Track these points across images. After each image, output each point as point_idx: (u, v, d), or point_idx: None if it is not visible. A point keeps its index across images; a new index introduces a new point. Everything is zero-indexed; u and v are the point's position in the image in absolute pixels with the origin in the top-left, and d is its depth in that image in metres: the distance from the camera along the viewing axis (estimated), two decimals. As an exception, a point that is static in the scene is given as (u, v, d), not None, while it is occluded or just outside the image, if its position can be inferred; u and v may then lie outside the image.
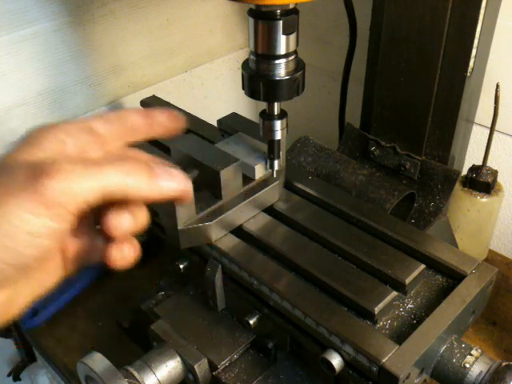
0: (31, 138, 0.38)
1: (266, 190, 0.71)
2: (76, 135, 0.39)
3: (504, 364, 0.56)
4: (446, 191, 0.81)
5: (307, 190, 0.76)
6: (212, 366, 0.65)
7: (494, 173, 0.87)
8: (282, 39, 0.57)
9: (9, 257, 0.34)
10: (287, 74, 0.60)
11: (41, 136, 0.38)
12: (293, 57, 0.59)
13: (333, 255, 0.66)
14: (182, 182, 0.40)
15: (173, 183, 0.39)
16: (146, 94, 1.04)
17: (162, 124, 0.46)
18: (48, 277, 0.41)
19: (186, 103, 1.02)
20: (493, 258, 0.98)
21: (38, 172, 0.34)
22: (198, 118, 0.95)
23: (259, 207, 0.72)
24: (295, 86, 0.61)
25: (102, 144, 0.41)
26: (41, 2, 0.89)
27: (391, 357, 0.53)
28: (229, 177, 0.67)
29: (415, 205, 0.82)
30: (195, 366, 0.63)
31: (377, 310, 0.58)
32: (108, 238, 0.39)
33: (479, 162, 0.88)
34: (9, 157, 0.37)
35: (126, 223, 0.39)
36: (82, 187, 0.35)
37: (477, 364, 0.57)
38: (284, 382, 0.66)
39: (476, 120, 0.91)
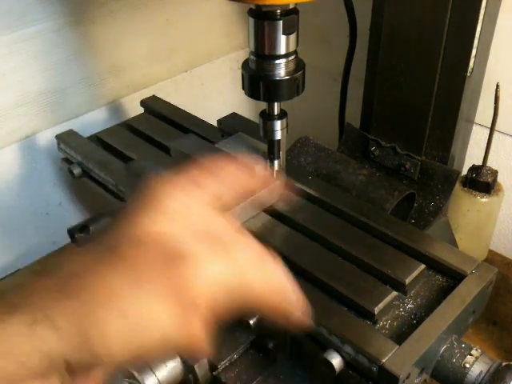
0: (155, 201, 0.36)
1: (266, 190, 0.71)
2: (197, 196, 0.38)
3: (504, 364, 0.56)
4: (445, 191, 0.81)
5: (307, 190, 0.76)
6: (212, 366, 0.65)
7: (494, 173, 0.87)
8: (282, 39, 0.57)
9: (134, 349, 0.32)
10: (287, 74, 0.60)
11: (165, 201, 0.36)
12: (293, 57, 0.59)
13: (333, 255, 0.66)
14: (302, 307, 0.39)
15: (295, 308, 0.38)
16: (146, 93, 1.04)
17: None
18: None
19: (186, 103, 1.02)
20: (493, 258, 0.98)
21: (171, 259, 0.32)
22: (197, 117, 0.95)
23: (259, 207, 0.72)
24: (295, 85, 0.61)
25: (218, 202, 0.39)
26: (41, 2, 0.89)
27: (391, 357, 0.53)
28: (229, 177, 0.67)
29: (415, 205, 0.82)
30: (195, 366, 0.63)
31: (377, 310, 0.58)
32: None
33: (479, 162, 0.88)
34: (138, 226, 0.34)
35: None
36: (214, 279, 0.33)
37: (477, 364, 0.56)
38: (284, 382, 0.66)
39: (476, 120, 0.91)
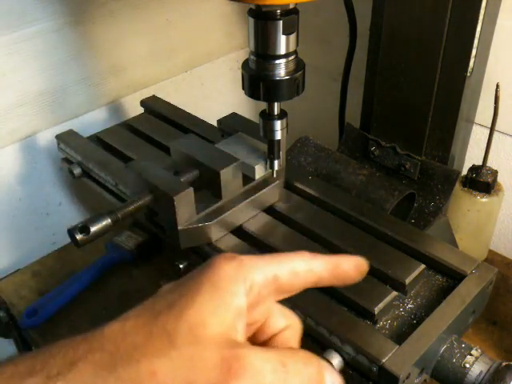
0: (220, 290, 0.34)
1: (265, 190, 0.71)
2: (260, 287, 0.36)
3: (504, 364, 0.56)
4: (446, 191, 0.81)
5: (307, 189, 0.76)
6: (212, 366, 0.65)
7: (494, 173, 0.87)
8: (282, 39, 0.57)
9: None
10: (287, 74, 0.59)
11: (228, 289, 0.34)
12: (293, 57, 0.59)
13: (333, 255, 0.66)
14: None
15: None
16: (146, 93, 1.04)
17: (346, 275, 0.41)
18: None
19: (186, 103, 1.02)
20: (493, 258, 0.98)
21: (230, 368, 0.31)
22: (198, 117, 0.95)
23: (259, 207, 0.72)
24: (295, 85, 0.61)
25: (279, 294, 0.38)
26: (41, 2, 0.89)
27: (391, 357, 0.53)
28: (229, 177, 0.67)
29: (415, 205, 0.82)
30: (195, 366, 0.63)
31: (377, 310, 0.58)
32: None
33: (479, 162, 0.88)
34: (199, 320, 0.32)
35: None
36: None
37: (477, 364, 0.56)
38: (284, 382, 0.66)
39: (476, 120, 0.90)
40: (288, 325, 0.39)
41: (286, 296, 0.39)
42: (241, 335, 0.34)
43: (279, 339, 0.39)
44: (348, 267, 0.40)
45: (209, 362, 0.31)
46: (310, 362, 0.34)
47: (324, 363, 0.35)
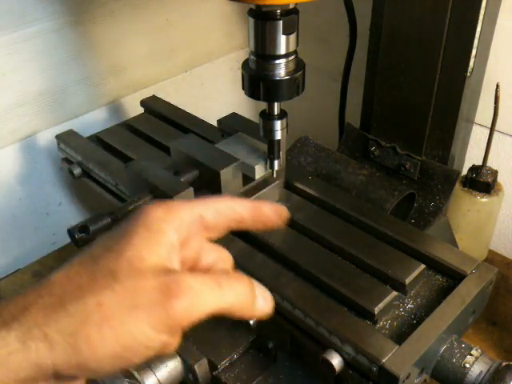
0: (152, 230, 0.38)
1: (265, 190, 0.71)
2: (188, 225, 0.40)
3: (504, 364, 0.56)
4: (445, 191, 0.81)
5: (307, 190, 0.76)
6: (212, 366, 0.65)
7: (494, 173, 0.87)
8: (282, 39, 0.57)
9: (121, 364, 0.35)
10: (287, 74, 0.59)
11: (160, 228, 0.38)
12: (293, 57, 0.59)
13: (333, 255, 0.66)
14: (270, 306, 0.41)
15: (266, 307, 0.41)
16: (146, 93, 1.04)
17: (266, 218, 0.45)
18: None
19: (186, 103, 1.02)
20: (493, 258, 0.98)
21: (169, 290, 0.34)
22: (197, 117, 0.95)
23: (259, 207, 0.72)
24: (295, 85, 0.61)
25: (207, 233, 0.42)
26: (41, 2, 0.89)
27: (391, 357, 0.53)
28: (229, 177, 0.67)
29: (415, 205, 0.82)
30: (195, 366, 0.63)
31: (377, 310, 0.58)
32: None
33: (479, 162, 0.88)
34: (137, 256, 0.36)
35: None
36: (202, 308, 0.36)
37: (477, 364, 0.56)
38: (284, 382, 0.66)
39: (476, 120, 0.90)
40: (219, 258, 0.44)
41: (214, 235, 0.43)
42: (176, 266, 0.38)
43: (213, 272, 0.43)
44: (268, 210, 0.44)
45: (149, 288, 0.34)
46: (241, 280, 0.39)
47: (254, 281, 0.41)
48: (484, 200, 0.87)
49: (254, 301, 0.39)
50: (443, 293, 0.62)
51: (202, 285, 0.36)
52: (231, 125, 0.82)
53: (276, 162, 0.69)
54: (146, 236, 0.37)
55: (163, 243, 0.38)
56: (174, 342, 0.36)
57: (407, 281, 0.61)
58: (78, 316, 0.33)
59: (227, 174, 0.67)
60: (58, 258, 0.97)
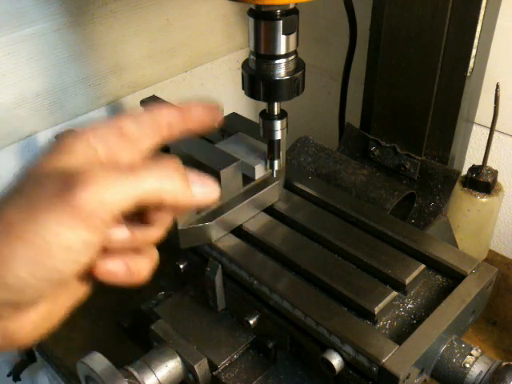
0: (60, 144, 0.37)
1: (265, 190, 0.71)
2: (106, 138, 0.38)
3: (504, 364, 0.56)
4: (445, 191, 0.81)
5: (307, 190, 0.76)
6: (212, 366, 0.65)
7: (494, 173, 0.87)
8: (282, 39, 0.57)
9: (45, 274, 0.33)
10: (287, 74, 0.59)
11: (70, 142, 0.37)
12: (293, 57, 0.59)
13: (333, 255, 0.66)
14: (214, 190, 0.39)
15: (205, 190, 0.39)
16: (146, 93, 1.04)
17: (198, 118, 0.43)
18: (84, 278, 0.39)
19: (186, 103, 1.02)
20: (493, 258, 0.98)
21: (69, 182, 0.32)
22: (198, 118, 0.95)
23: (259, 207, 0.72)
24: (295, 86, 0.61)
25: (134, 145, 0.39)
26: (40, 2, 0.88)
27: (391, 357, 0.53)
28: (229, 177, 0.67)
29: (415, 205, 0.82)
30: (195, 366, 0.63)
31: (377, 309, 0.58)
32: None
33: (479, 162, 0.88)
34: (38, 166, 0.35)
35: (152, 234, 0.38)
36: (116, 195, 0.33)
37: (477, 364, 0.56)
38: (284, 382, 0.66)
39: (476, 120, 0.91)
40: None
41: (144, 145, 0.40)
42: None
43: None
44: (197, 110, 0.42)
45: (48, 185, 0.33)
46: (163, 164, 0.36)
47: (190, 169, 0.38)
48: (484, 200, 0.87)
49: (187, 185, 0.37)
50: (443, 293, 0.62)
51: (109, 171, 0.33)
52: (231, 125, 0.82)
53: (276, 162, 0.69)
54: (53, 150, 0.36)
55: (71, 153, 0.36)
56: (98, 239, 0.33)
57: (407, 281, 0.61)
58: None
59: (227, 174, 0.67)
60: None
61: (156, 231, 0.38)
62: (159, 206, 0.36)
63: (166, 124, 0.41)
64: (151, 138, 0.41)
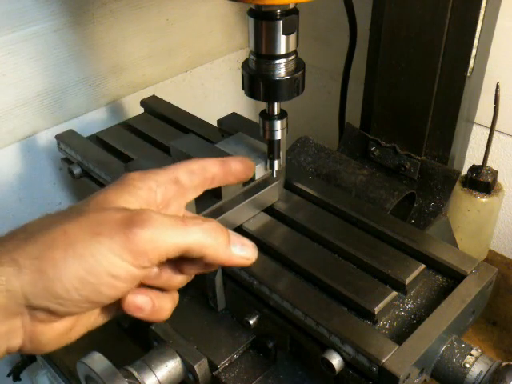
0: (125, 184, 0.41)
1: (265, 190, 0.71)
2: (164, 185, 0.43)
3: (504, 364, 0.56)
4: (445, 191, 0.81)
5: (307, 189, 0.76)
6: (212, 366, 0.65)
7: (494, 173, 0.87)
8: (282, 39, 0.57)
9: (89, 294, 0.36)
10: (287, 74, 0.59)
11: (134, 184, 0.41)
12: (293, 57, 0.59)
13: (333, 255, 0.66)
14: (252, 253, 0.43)
15: (244, 252, 0.42)
16: (146, 93, 1.04)
17: (235, 172, 0.48)
18: (110, 309, 0.42)
19: (186, 103, 1.02)
20: (493, 258, 0.98)
21: (131, 220, 0.36)
22: (198, 117, 0.95)
23: (259, 207, 0.72)
24: (295, 85, 0.61)
25: (184, 195, 0.45)
26: (41, 2, 0.89)
27: (391, 357, 0.53)
28: (229, 177, 0.67)
29: (415, 205, 0.82)
30: (195, 366, 0.63)
31: (377, 309, 0.58)
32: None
33: (479, 162, 0.88)
34: (105, 199, 0.40)
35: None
36: (168, 240, 0.37)
37: (477, 364, 0.56)
38: (284, 382, 0.66)
39: (476, 120, 0.91)
40: None
41: (191, 196, 0.46)
42: None
43: None
44: (235, 163, 0.48)
45: (111, 219, 0.37)
46: (209, 221, 0.41)
47: (232, 231, 0.43)
48: (484, 200, 0.87)
49: (227, 244, 0.41)
50: (443, 293, 0.62)
51: (165, 218, 0.38)
52: (231, 125, 0.82)
53: (276, 162, 0.69)
54: (118, 188, 0.41)
55: (133, 194, 0.40)
56: (141, 274, 0.37)
57: (407, 281, 0.61)
58: (44, 242, 0.36)
59: (227, 174, 0.67)
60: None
61: (183, 279, 0.43)
62: (198, 260, 0.40)
63: (211, 177, 0.47)
64: (198, 191, 0.46)
